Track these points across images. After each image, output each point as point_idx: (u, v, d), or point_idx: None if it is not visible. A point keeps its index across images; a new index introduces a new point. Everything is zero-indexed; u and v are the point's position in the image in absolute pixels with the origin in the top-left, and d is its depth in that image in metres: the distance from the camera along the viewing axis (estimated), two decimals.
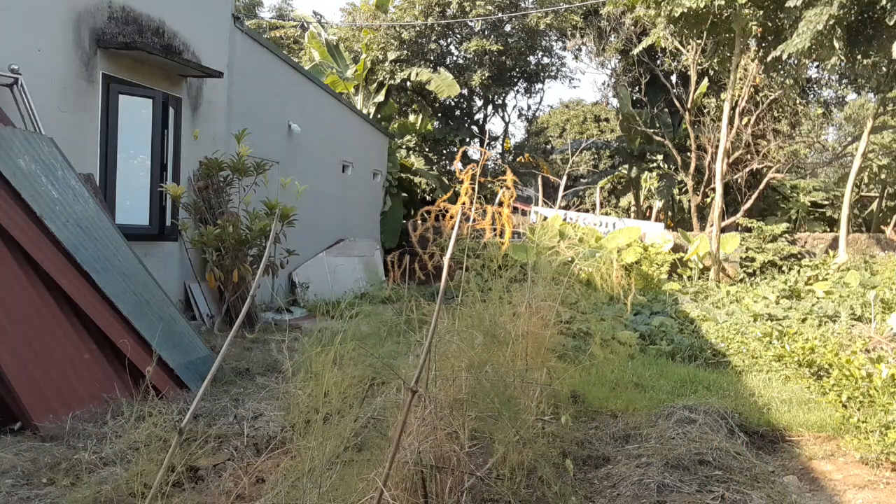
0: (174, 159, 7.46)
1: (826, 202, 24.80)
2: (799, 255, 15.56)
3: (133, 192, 6.96)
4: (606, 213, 23.68)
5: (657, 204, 21.22)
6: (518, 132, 31.84)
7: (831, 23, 11.98)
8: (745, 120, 17.95)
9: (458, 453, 2.80)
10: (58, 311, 4.44)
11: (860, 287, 10.89)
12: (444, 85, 18.46)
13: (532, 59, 23.18)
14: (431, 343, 2.31)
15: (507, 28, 21.69)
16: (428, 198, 18.23)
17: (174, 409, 4.07)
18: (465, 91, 22.02)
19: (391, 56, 19.48)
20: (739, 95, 16.94)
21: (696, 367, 6.23)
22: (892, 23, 11.78)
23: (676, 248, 15.06)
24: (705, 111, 19.12)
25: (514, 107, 39.45)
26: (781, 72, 15.94)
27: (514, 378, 3.33)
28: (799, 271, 13.02)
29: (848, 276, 11.67)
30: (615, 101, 25.21)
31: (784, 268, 14.59)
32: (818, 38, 12.17)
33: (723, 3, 13.30)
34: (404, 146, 20.49)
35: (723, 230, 14.89)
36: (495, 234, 3.82)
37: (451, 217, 3.57)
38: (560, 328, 4.42)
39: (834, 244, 16.32)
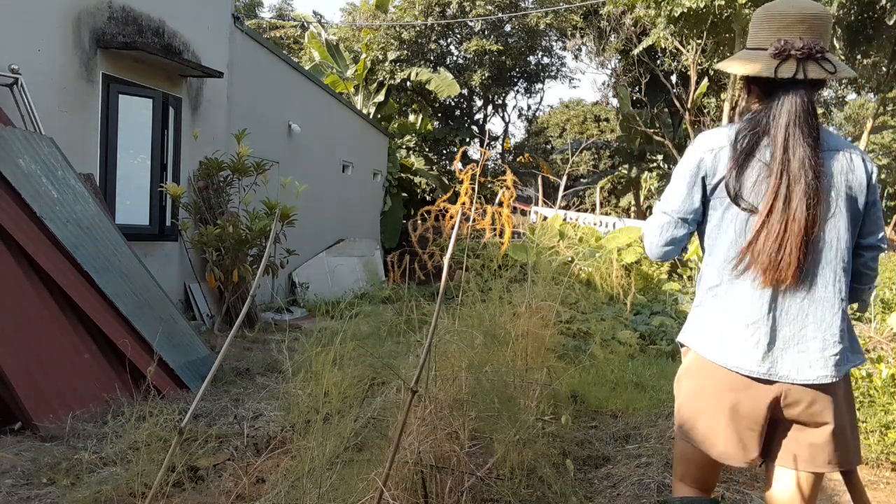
0: (174, 159, 7.46)
1: None
2: None
3: (133, 192, 6.96)
4: (606, 213, 23.69)
5: (657, 204, 21.18)
6: (518, 132, 31.86)
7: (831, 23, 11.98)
8: None
9: (458, 453, 2.80)
10: (58, 311, 4.44)
11: None
12: (444, 85, 18.46)
13: (532, 59, 23.20)
14: (431, 343, 2.31)
15: (507, 28, 21.70)
16: (428, 198, 18.23)
17: (174, 409, 4.07)
18: (465, 91, 22.03)
19: (391, 56, 19.48)
20: (739, 95, 16.94)
21: None
22: (891, 22, 11.79)
23: None
24: (705, 111, 19.13)
25: (514, 107, 39.49)
26: None
27: (514, 378, 3.33)
28: None
29: None
30: (615, 101, 25.23)
31: None
32: None
33: (723, 3, 13.32)
34: (404, 146, 20.49)
35: None
36: (495, 234, 3.82)
37: (451, 217, 3.57)
38: (560, 328, 4.43)
39: None
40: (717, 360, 1.78)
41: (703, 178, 1.81)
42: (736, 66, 1.78)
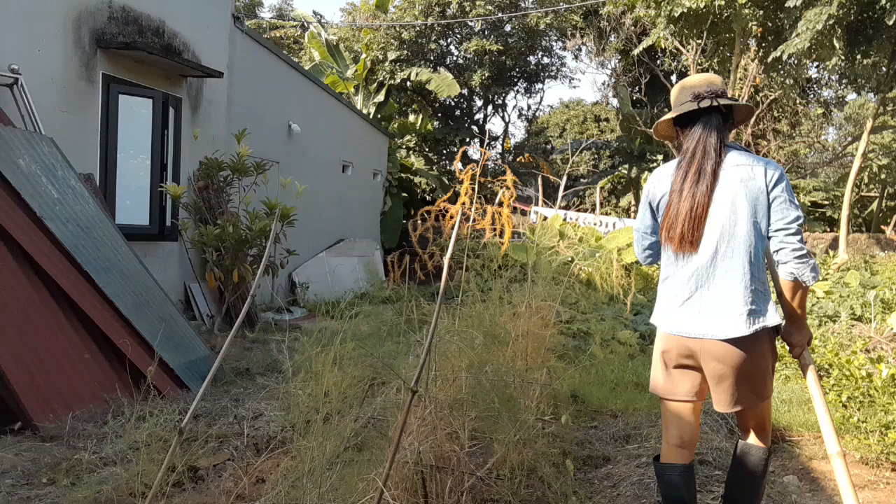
0: (174, 159, 7.46)
1: (826, 202, 24.81)
2: None
3: (133, 192, 6.96)
4: (606, 213, 23.69)
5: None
6: (518, 132, 31.86)
7: (831, 23, 11.99)
8: None
9: (458, 453, 2.80)
10: (58, 312, 4.44)
11: (860, 287, 10.88)
12: (444, 85, 18.46)
13: (532, 59, 23.20)
14: (431, 343, 2.31)
15: (507, 28, 21.69)
16: (428, 198, 18.23)
17: (174, 409, 4.07)
18: (465, 91, 22.02)
19: (391, 56, 19.48)
20: (739, 95, 16.95)
21: None
22: (891, 22, 11.79)
23: None
24: None
25: (514, 107, 39.50)
26: (781, 72, 15.94)
27: (514, 378, 3.33)
28: None
29: (848, 276, 11.66)
30: (615, 101, 25.22)
31: None
32: (818, 38, 12.18)
33: (723, 3, 13.32)
34: (404, 146, 20.48)
35: None
36: (495, 234, 3.83)
37: (451, 217, 3.57)
38: (560, 328, 4.43)
39: (834, 244, 16.33)
40: (665, 329, 2.47)
41: (650, 203, 2.54)
42: (671, 114, 2.50)
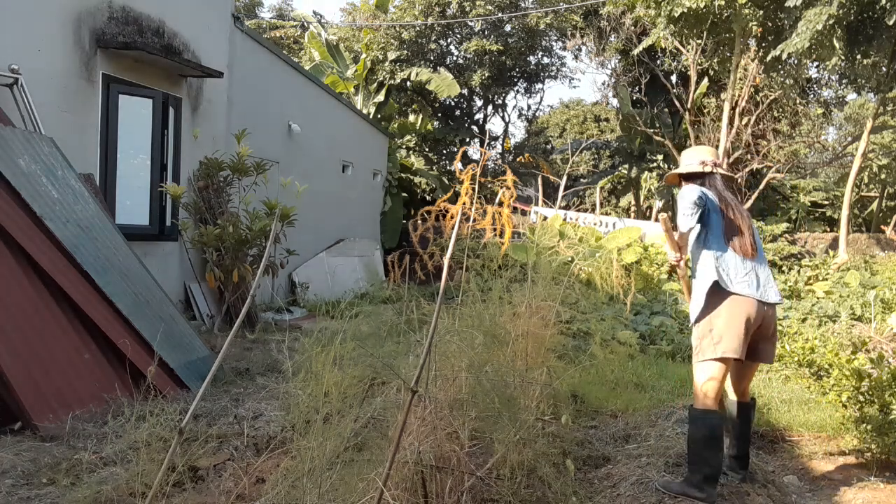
0: (174, 159, 7.46)
1: (826, 202, 24.80)
2: (799, 255, 15.55)
3: (133, 192, 6.96)
4: (606, 213, 23.67)
5: (657, 204, 21.21)
6: (518, 132, 31.84)
7: (831, 22, 11.98)
8: (745, 120, 17.94)
9: (458, 453, 2.79)
10: (58, 311, 4.44)
11: (860, 287, 10.88)
12: (444, 85, 18.44)
13: (532, 59, 23.17)
14: (431, 343, 2.31)
15: (507, 28, 21.67)
16: (428, 198, 18.21)
17: (174, 409, 4.06)
18: (465, 91, 22.00)
19: (391, 56, 19.47)
20: (739, 95, 16.95)
21: None
22: (891, 22, 11.78)
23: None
24: (705, 111, 19.11)
25: (514, 107, 39.51)
26: (781, 72, 15.93)
27: (514, 378, 3.33)
28: (799, 271, 13.00)
29: (848, 276, 11.66)
30: (615, 101, 25.19)
31: (784, 268, 14.58)
32: (818, 37, 12.18)
33: (723, 3, 13.32)
34: (404, 146, 20.47)
35: None
36: (495, 234, 3.82)
37: (452, 217, 3.57)
38: (560, 328, 4.42)
39: (834, 244, 16.33)
40: (748, 293, 3.24)
41: (708, 207, 3.32)
42: (681, 169, 3.62)
